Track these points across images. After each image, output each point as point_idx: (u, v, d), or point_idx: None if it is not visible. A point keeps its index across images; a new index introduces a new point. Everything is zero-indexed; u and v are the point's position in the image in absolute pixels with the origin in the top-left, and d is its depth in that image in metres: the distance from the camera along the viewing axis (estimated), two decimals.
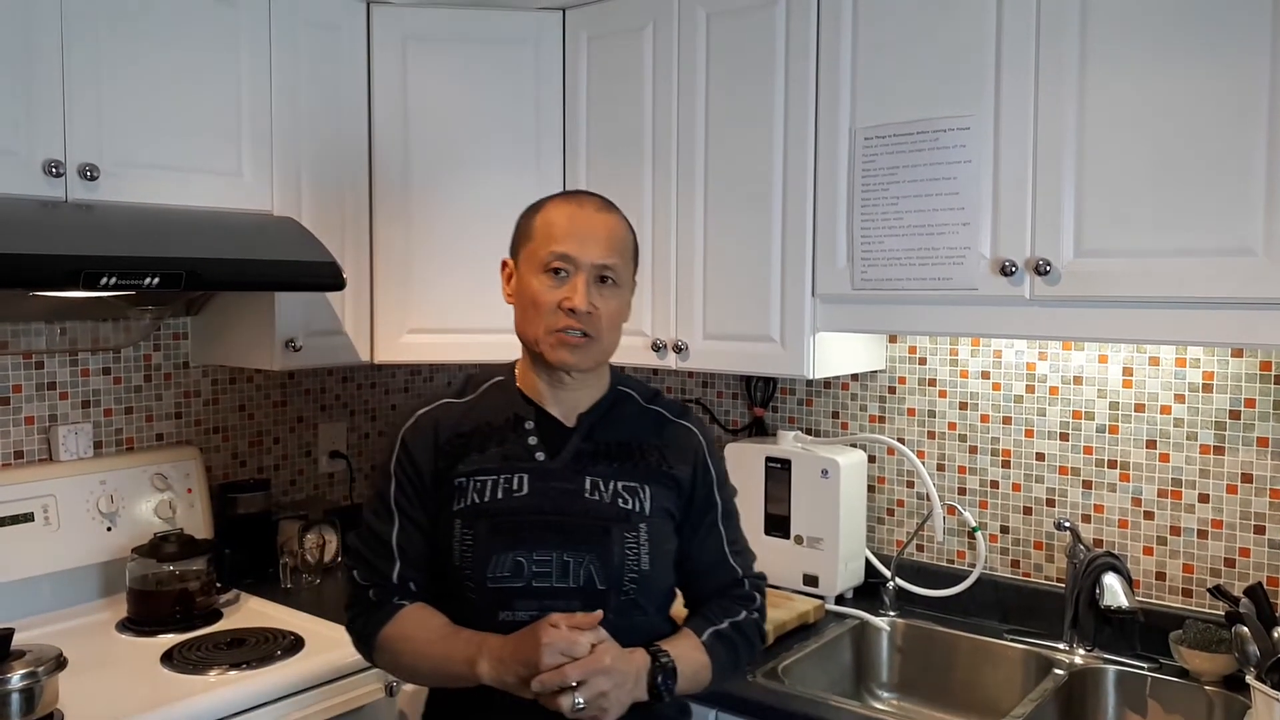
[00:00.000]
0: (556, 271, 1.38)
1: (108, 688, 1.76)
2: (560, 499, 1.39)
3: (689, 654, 1.37)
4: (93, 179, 1.85)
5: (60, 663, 1.66)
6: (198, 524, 2.32)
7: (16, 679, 1.58)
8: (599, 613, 1.30)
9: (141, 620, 2.07)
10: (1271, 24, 1.50)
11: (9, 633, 1.63)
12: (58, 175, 1.81)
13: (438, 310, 2.38)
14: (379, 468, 1.47)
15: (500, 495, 1.39)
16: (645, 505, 1.40)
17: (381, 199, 2.36)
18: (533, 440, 1.43)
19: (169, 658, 1.90)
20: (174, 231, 1.92)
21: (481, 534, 1.37)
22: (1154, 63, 1.60)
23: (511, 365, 1.51)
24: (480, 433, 1.43)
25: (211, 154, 2.06)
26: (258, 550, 2.43)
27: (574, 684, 1.23)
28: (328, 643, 1.97)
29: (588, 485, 1.40)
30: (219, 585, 2.19)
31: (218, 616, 2.13)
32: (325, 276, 2.07)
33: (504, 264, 1.47)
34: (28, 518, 2.08)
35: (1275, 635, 1.49)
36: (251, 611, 2.18)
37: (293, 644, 1.96)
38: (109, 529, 2.19)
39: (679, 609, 1.50)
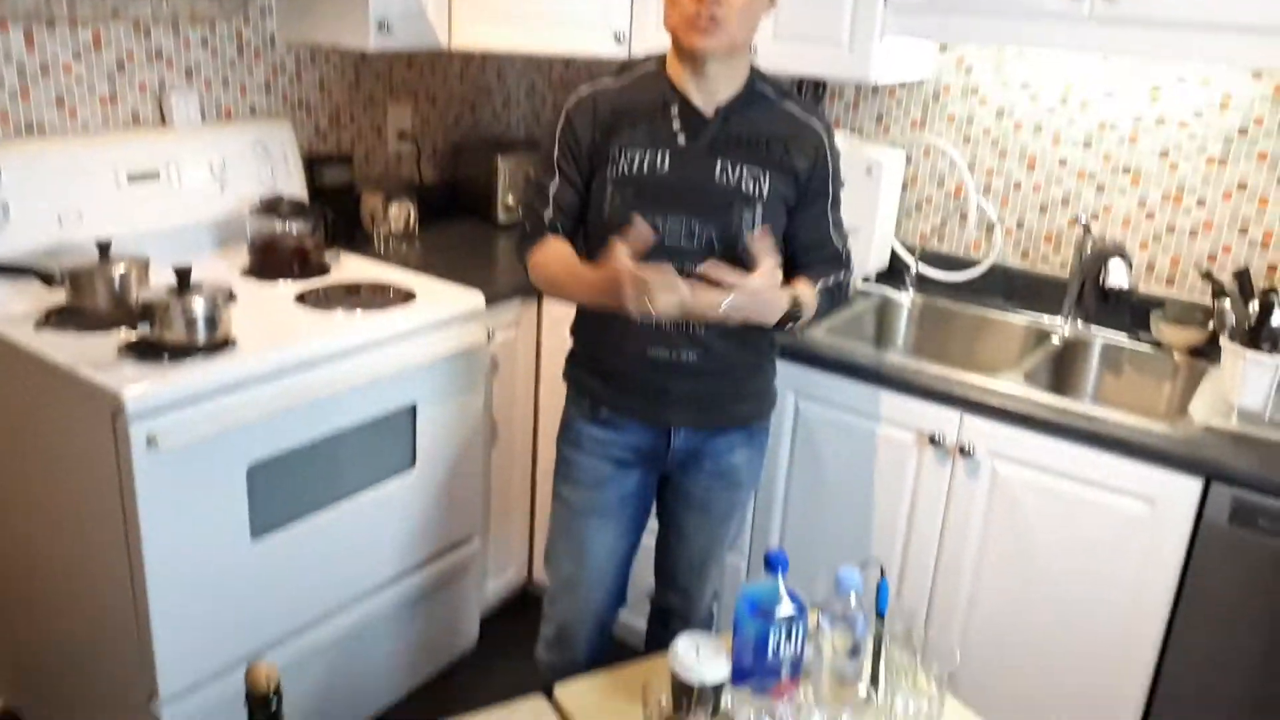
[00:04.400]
0: None
1: (262, 321, 2.03)
2: (694, 176, 1.67)
3: (809, 301, 1.71)
4: None
5: (231, 295, 1.95)
6: (295, 190, 2.55)
7: (201, 305, 1.85)
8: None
9: (263, 270, 2.34)
10: None
11: (189, 268, 1.90)
12: None
13: (509, 4, 2.48)
14: (547, 135, 1.75)
15: (645, 168, 1.67)
16: (764, 189, 1.68)
17: None
18: (676, 125, 1.68)
19: (302, 299, 2.19)
20: None
21: (628, 198, 1.67)
22: None
23: (662, 57, 1.72)
24: (632, 112, 1.69)
25: None
26: (346, 218, 2.67)
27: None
28: (435, 294, 2.28)
29: (718, 168, 1.67)
30: (324, 244, 2.45)
31: (327, 270, 2.40)
32: None
33: None
34: (154, 175, 2.28)
35: (1251, 309, 1.85)
36: (356, 268, 2.45)
37: (405, 295, 2.26)
38: (221, 189, 2.41)
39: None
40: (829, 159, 1.75)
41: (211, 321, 1.87)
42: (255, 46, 2.52)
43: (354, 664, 2.25)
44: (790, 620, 1.34)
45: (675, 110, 1.69)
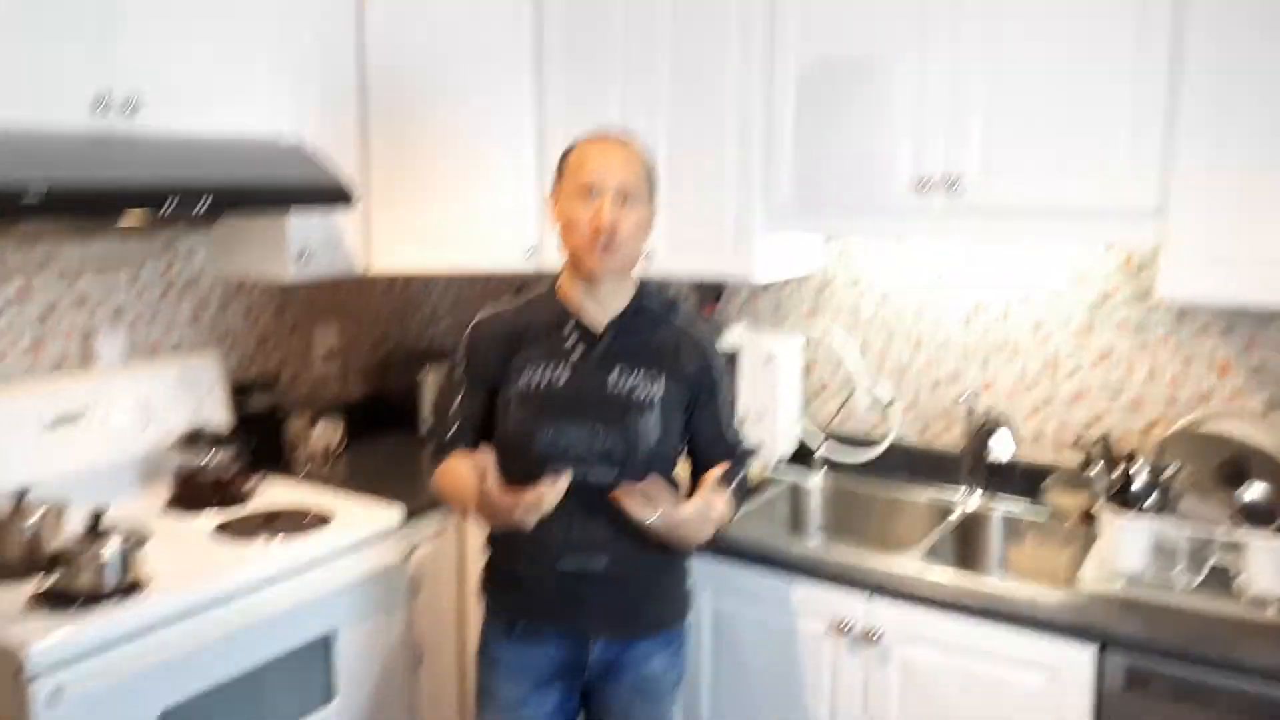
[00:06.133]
0: (587, 196, 1.75)
1: (177, 557, 2.06)
2: (590, 387, 1.79)
3: (728, 510, 1.81)
4: (134, 112, 2.04)
5: (141, 539, 1.97)
6: (220, 419, 2.61)
7: (111, 550, 1.87)
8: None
9: (185, 502, 2.37)
10: None
11: (100, 513, 1.93)
12: (105, 108, 2.00)
13: (424, 226, 2.66)
14: (454, 354, 1.90)
15: (545, 383, 1.79)
16: (656, 396, 1.80)
17: (374, 122, 2.60)
18: (570, 342, 1.82)
19: (222, 530, 2.22)
20: (201, 160, 2.16)
21: (531, 411, 1.78)
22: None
23: (555, 278, 1.88)
24: (531, 331, 1.84)
25: (232, 83, 2.27)
26: (270, 442, 2.74)
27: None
28: (351, 514, 2.32)
29: (612, 378, 1.79)
30: (246, 472, 2.51)
31: (248, 498, 2.44)
32: (337, 196, 2.32)
33: (549, 198, 1.87)
34: (78, 418, 2.33)
35: (1114, 473, 1.95)
36: (277, 494, 2.48)
37: (321, 518, 2.30)
38: (145, 426, 2.47)
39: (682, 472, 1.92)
40: (711, 364, 1.88)
41: (123, 565, 1.90)
42: (182, 283, 2.64)
43: None
44: None
45: (569, 327, 1.83)
